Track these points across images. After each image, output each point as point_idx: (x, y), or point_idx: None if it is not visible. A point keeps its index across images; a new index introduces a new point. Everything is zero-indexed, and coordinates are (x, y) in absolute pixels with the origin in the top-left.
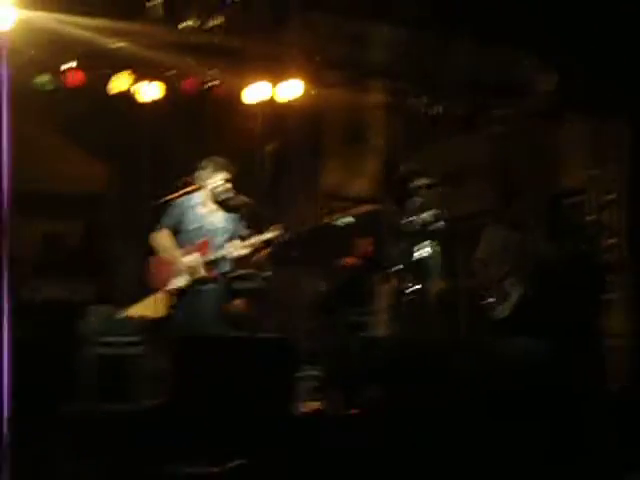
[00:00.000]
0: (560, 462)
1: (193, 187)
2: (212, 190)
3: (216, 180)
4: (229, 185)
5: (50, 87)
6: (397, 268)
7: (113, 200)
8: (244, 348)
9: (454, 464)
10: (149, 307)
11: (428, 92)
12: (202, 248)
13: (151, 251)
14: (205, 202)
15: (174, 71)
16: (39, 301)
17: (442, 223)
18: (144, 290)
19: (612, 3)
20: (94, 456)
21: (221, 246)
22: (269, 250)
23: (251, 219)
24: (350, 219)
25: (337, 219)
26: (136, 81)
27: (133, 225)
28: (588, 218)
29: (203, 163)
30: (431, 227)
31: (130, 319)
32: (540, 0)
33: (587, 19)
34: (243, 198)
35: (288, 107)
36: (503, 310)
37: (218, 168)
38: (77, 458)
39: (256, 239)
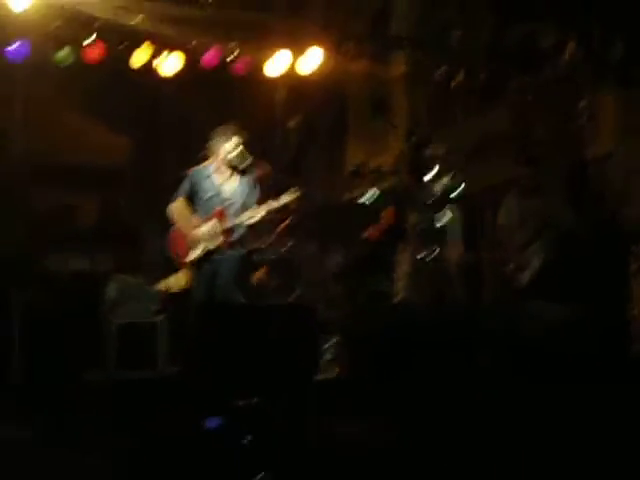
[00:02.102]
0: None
1: (206, 157)
2: (225, 156)
3: (229, 146)
4: (242, 149)
5: (70, 61)
6: (417, 236)
7: (135, 172)
8: (264, 315)
9: (477, 428)
10: (174, 280)
11: (450, 62)
12: (219, 216)
13: (172, 222)
14: (220, 170)
15: (193, 44)
16: (65, 272)
17: (460, 190)
18: (166, 261)
19: None
20: (119, 421)
21: (238, 213)
22: (290, 222)
23: (271, 187)
24: (372, 196)
25: (360, 195)
26: (156, 54)
27: (155, 197)
28: (613, 186)
29: (214, 132)
30: (449, 194)
31: (153, 290)
32: None
33: None
34: (260, 162)
35: (311, 81)
36: (525, 277)
37: (229, 134)
38: (102, 424)
39: (273, 203)
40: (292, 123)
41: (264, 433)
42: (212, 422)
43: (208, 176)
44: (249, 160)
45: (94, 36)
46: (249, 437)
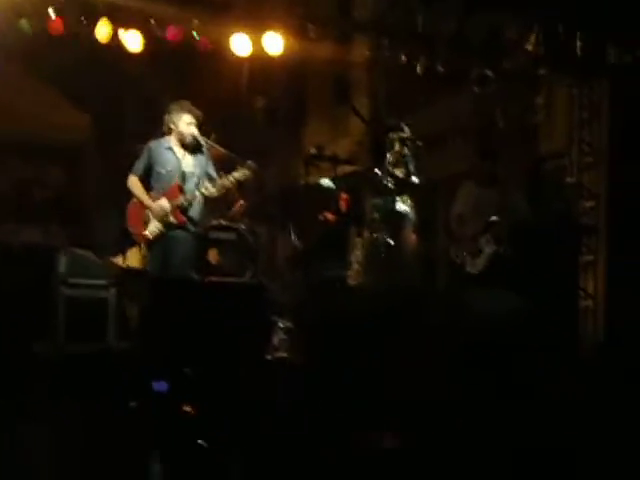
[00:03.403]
0: (526, 416)
1: (166, 131)
2: (179, 133)
3: (182, 123)
4: (194, 128)
5: (29, 32)
6: (372, 221)
7: (95, 148)
8: (217, 294)
9: (422, 415)
10: (129, 258)
11: (413, 49)
12: (172, 192)
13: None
14: (175, 146)
15: (155, 21)
16: (15, 244)
17: (416, 179)
18: (123, 235)
19: None
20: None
21: (192, 190)
22: (246, 201)
23: (226, 166)
24: (330, 183)
25: (318, 180)
26: (116, 30)
27: (113, 172)
28: (568, 180)
29: (169, 107)
30: (405, 182)
31: (105, 264)
32: None
33: None
34: (212, 143)
35: (273, 62)
36: (475, 265)
37: (183, 111)
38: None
39: (225, 180)
40: (259, 103)
41: (208, 401)
42: (159, 385)
43: (168, 148)
44: (201, 140)
45: (53, 8)
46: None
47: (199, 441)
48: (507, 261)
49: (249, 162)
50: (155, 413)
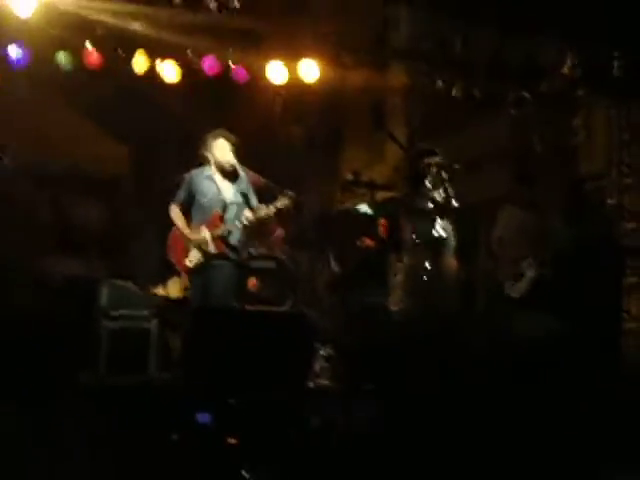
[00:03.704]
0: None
1: (203, 160)
2: (218, 162)
3: (219, 151)
4: (232, 154)
5: (69, 67)
6: (411, 247)
7: (133, 179)
8: (259, 322)
9: (465, 441)
10: (170, 288)
11: (449, 75)
12: (213, 221)
13: (171, 225)
14: (214, 175)
15: (191, 53)
16: (57, 276)
17: (455, 202)
18: (163, 266)
19: None
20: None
21: (232, 219)
22: (285, 230)
23: (265, 194)
24: (368, 209)
25: (355, 205)
26: (153, 62)
27: (152, 203)
28: (609, 202)
29: (205, 137)
30: (444, 206)
31: (146, 295)
32: None
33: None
34: (251, 173)
35: (310, 90)
36: (518, 289)
37: (219, 138)
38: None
39: (266, 208)
40: (296, 131)
41: (253, 431)
42: (202, 416)
43: (208, 177)
44: (237, 165)
45: (91, 42)
46: (238, 434)
47: (243, 472)
48: (550, 284)
49: (288, 191)
50: (198, 444)
